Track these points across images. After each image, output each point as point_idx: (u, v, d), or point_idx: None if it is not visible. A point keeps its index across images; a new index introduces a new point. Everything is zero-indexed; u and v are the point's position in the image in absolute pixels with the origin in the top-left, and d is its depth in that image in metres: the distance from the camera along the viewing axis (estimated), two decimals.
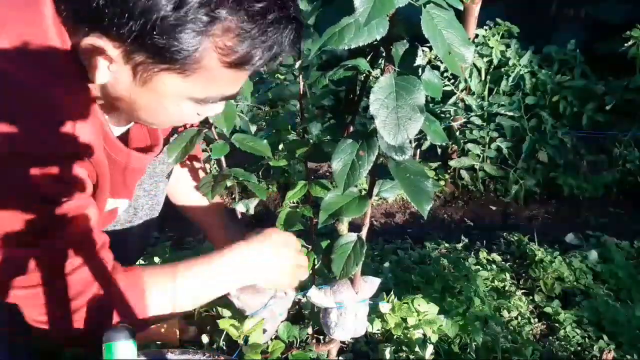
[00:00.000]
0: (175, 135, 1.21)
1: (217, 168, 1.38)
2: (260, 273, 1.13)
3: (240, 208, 1.23)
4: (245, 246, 1.11)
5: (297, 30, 0.89)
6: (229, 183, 1.15)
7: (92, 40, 0.83)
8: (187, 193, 1.38)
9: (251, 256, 1.11)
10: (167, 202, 1.52)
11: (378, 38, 0.79)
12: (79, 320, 0.93)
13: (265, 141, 1.21)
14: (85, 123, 0.89)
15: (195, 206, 1.39)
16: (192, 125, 1.22)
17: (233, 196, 1.18)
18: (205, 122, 1.17)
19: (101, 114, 0.96)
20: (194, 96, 0.91)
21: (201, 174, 1.38)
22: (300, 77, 1.23)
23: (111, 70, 0.87)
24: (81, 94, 0.91)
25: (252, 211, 1.23)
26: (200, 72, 0.87)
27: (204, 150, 1.29)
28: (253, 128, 2.12)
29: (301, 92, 1.25)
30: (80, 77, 0.89)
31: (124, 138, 1.10)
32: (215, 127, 1.16)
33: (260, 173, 2.52)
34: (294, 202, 1.26)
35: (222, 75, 0.88)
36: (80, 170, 0.90)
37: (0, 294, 0.89)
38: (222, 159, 1.16)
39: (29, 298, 0.89)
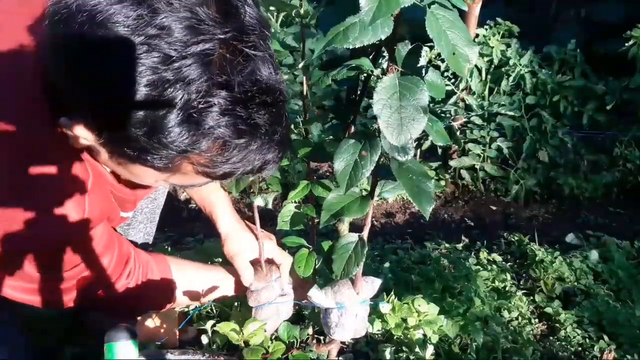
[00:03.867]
0: None
1: None
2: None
3: (258, 202, 1.23)
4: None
5: (281, 152, 0.87)
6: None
7: (72, 126, 0.81)
8: None
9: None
10: (167, 204, 1.51)
11: (383, 38, 0.79)
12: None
13: None
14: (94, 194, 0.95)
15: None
16: None
17: (251, 190, 1.18)
18: None
19: (100, 165, 0.97)
20: (168, 182, 0.91)
21: None
22: (304, 77, 1.22)
23: (89, 141, 0.85)
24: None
25: (270, 205, 1.24)
26: (173, 174, 0.86)
27: None
28: None
29: (305, 93, 1.25)
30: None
31: None
32: None
33: None
34: (294, 202, 1.25)
35: (196, 177, 0.87)
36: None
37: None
38: None
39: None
